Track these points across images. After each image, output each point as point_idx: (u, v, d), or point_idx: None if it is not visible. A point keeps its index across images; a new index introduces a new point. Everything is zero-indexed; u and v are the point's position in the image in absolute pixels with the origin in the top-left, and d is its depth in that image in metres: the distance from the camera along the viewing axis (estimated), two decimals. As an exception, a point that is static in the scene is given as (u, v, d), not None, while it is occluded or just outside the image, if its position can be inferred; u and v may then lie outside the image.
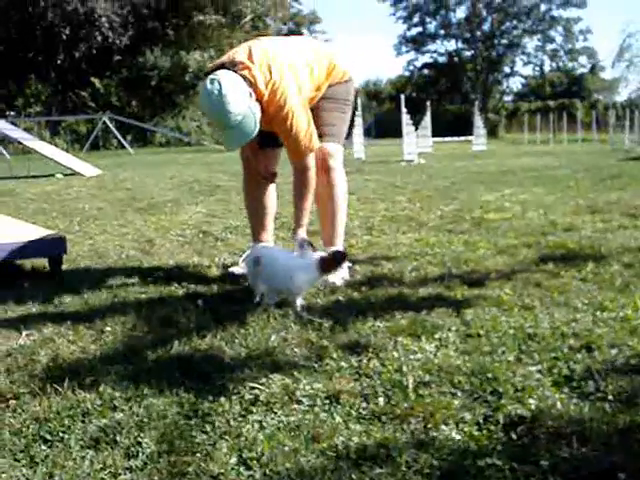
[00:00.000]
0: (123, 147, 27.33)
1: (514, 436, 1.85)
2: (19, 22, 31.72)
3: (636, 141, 21.47)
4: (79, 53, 33.19)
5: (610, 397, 2.06)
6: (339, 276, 3.51)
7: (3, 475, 1.72)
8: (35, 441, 1.89)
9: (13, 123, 21.70)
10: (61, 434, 1.93)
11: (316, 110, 3.67)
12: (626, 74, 39.55)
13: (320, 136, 3.63)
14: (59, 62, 33.52)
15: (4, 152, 18.57)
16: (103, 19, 32.45)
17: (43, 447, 1.86)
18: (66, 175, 13.31)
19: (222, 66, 3.26)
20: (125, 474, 1.70)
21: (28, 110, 30.59)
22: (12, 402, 2.15)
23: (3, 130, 16.27)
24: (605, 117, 36.50)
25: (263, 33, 39.73)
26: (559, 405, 2.01)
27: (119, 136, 27.76)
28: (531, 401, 2.04)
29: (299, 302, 3.06)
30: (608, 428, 1.87)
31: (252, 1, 37.39)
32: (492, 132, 38.94)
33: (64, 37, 32.47)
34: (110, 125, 27.29)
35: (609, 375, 2.21)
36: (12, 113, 28.36)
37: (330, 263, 3.08)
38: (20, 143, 16.25)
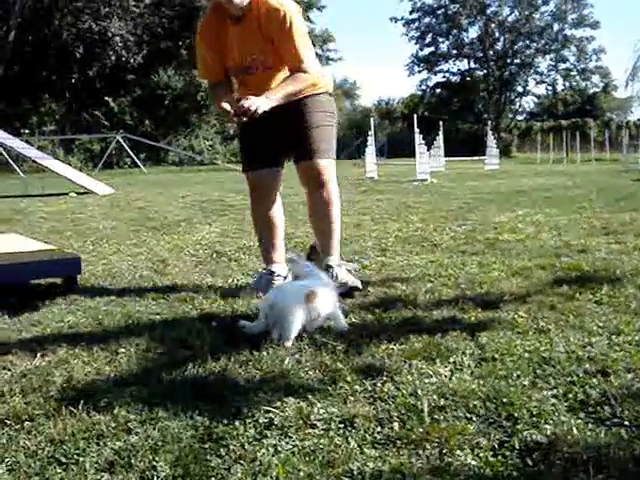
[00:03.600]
0: (136, 166, 27.49)
1: (530, 462, 1.84)
2: (34, 41, 32.04)
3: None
4: (93, 72, 33.47)
5: (626, 422, 2.04)
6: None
7: (19, 498, 1.72)
8: (50, 463, 1.90)
9: (27, 141, 21.89)
10: (76, 457, 1.93)
11: (306, 124, 3.78)
12: (639, 93, 39.47)
13: (314, 152, 3.82)
14: (73, 81, 33.82)
15: (18, 170, 18.71)
16: (117, 38, 32.73)
17: (58, 469, 1.86)
18: (80, 194, 13.39)
19: None
20: (140, 498, 1.70)
21: (42, 129, 30.82)
22: (27, 424, 2.15)
23: (17, 148, 16.41)
24: (618, 136, 36.45)
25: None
26: (575, 431, 1.99)
27: (132, 155, 27.91)
28: (547, 426, 2.03)
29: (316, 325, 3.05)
30: (624, 454, 1.85)
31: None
32: (505, 151, 38.96)
33: (78, 56, 32.76)
34: (124, 144, 27.45)
35: (625, 400, 2.19)
36: (26, 131, 28.59)
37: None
38: (34, 161, 16.38)
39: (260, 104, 3.49)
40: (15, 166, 19.10)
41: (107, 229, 7.33)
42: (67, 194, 13.39)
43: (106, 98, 33.16)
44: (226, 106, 3.62)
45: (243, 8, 3.62)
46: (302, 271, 3.13)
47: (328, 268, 3.67)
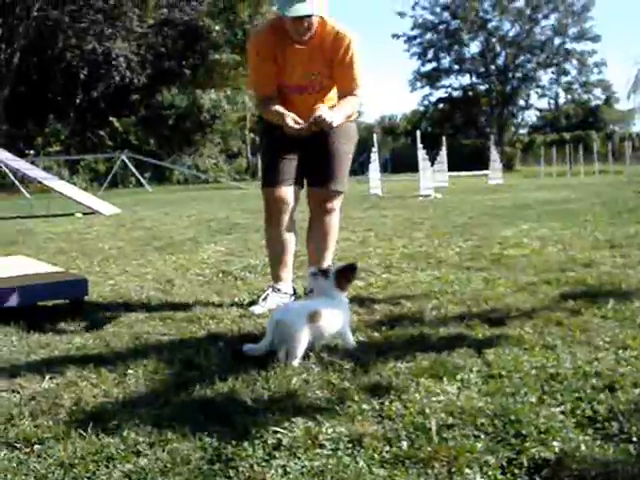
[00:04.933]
0: (141, 185, 27.56)
1: (538, 480, 1.84)
2: (38, 63, 32.26)
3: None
4: (97, 93, 33.70)
5: (634, 438, 2.04)
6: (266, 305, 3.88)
7: (30, 523, 1.73)
8: (60, 487, 1.90)
9: (32, 162, 21.99)
10: (86, 479, 1.94)
11: (334, 152, 3.88)
12: (641, 106, 39.51)
13: (333, 181, 4.05)
14: (78, 101, 34.01)
15: (24, 191, 18.78)
16: (121, 59, 32.96)
17: (68, 493, 1.87)
18: (85, 214, 13.44)
19: None
20: (151, 521, 1.71)
21: (47, 149, 30.98)
22: (37, 447, 2.16)
23: (23, 169, 16.50)
24: (621, 148, 36.45)
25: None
26: (583, 447, 1.99)
27: (137, 174, 28.02)
28: (555, 443, 2.03)
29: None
30: (633, 470, 1.85)
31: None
32: (508, 165, 39.02)
33: (82, 77, 32.97)
34: (129, 164, 27.56)
35: (633, 416, 2.19)
36: (32, 152, 28.75)
37: (346, 275, 3.15)
38: (39, 182, 16.45)
39: (335, 117, 3.68)
40: (21, 187, 19.16)
41: (113, 249, 7.35)
42: (73, 214, 13.44)
43: (111, 118, 33.38)
44: (283, 111, 3.77)
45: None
46: (322, 286, 3.14)
47: None
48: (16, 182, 19.30)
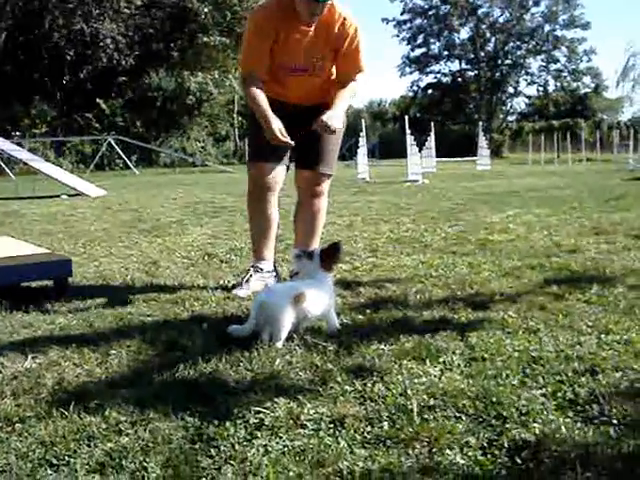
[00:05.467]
0: (128, 168, 27.44)
1: (518, 461, 1.85)
2: (25, 43, 31.97)
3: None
4: (84, 74, 33.43)
5: (614, 421, 2.06)
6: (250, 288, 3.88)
7: (9, 500, 1.73)
8: (41, 465, 1.90)
9: (19, 144, 21.84)
10: (67, 458, 1.93)
11: (327, 136, 3.86)
12: (631, 94, 39.68)
13: (324, 164, 4.04)
14: (64, 83, 33.75)
15: (10, 173, 18.67)
16: (108, 40, 32.71)
17: (49, 471, 1.87)
18: (71, 196, 13.36)
19: None
20: (131, 499, 1.71)
21: (33, 131, 30.76)
22: (18, 425, 2.15)
23: (8, 151, 16.38)
24: (609, 137, 36.59)
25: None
26: (563, 429, 2.01)
27: (124, 157, 27.88)
28: (535, 425, 2.04)
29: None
30: (612, 453, 1.87)
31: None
32: (496, 152, 39.11)
33: (69, 58, 32.70)
34: (115, 146, 27.41)
35: (613, 399, 2.21)
36: (18, 134, 28.55)
37: (331, 256, 3.13)
38: (26, 164, 16.35)
39: (339, 122, 3.68)
40: (6, 169, 19.03)
41: (99, 231, 7.32)
42: (59, 196, 13.37)
43: (97, 100, 33.13)
44: (280, 131, 3.66)
45: None
46: (306, 267, 3.14)
47: None
48: (1, 164, 19.17)
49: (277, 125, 3.64)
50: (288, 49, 3.78)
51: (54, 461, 1.92)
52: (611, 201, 9.06)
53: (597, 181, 14.22)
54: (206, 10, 35.27)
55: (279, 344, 2.85)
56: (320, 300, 3.02)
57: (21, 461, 1.92)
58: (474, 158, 24.48)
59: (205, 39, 35.76)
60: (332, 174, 4.15)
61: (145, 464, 1.87)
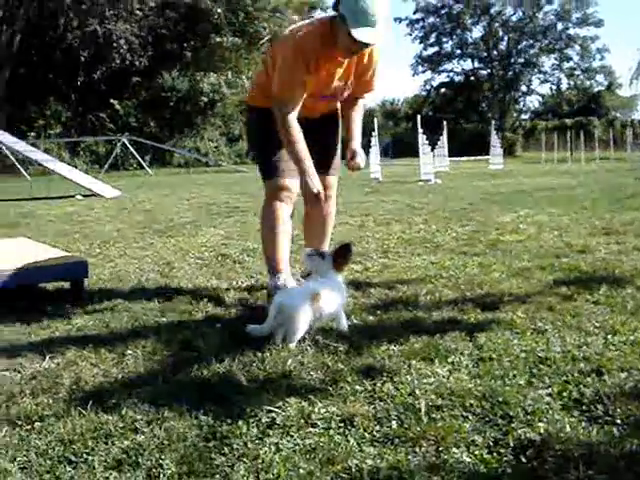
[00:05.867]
0: (142, 168, 27.56)
1: (523, 459, 1.90)
2: (39, 45, 32.14)
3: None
4: (98, 75, 33.54)
5: (618, 421, 2.11)
6: None
7: (31, 495, 1.79)
8: (60, 462, 1.97)
9: (33, 144, 22.01)
10: (85, 455, 2.00)
11: (334, 141, 3.91)
12: (644, 92, 39.47)
13: (332, 168, 4.08)
14: (79, 84, 33.90)
15: (25, 173, 18.83)
16: (122, 41, 32.80)
17: (68, 468, 1.93)
18: (86, 196, 13.48)
19: None
20: (147, 495, 1.78)
21: (48, 131, 30.94)
22: (37, 424, 2.22)
23: (23, 152, 16.53)
24: (623, 135, 36.41)
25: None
26: (568, 429, 2.06)
27: (138, 157, 28.01)
28: (540, 425, 2.09)
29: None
30: (615, 452, 1.92)
31: (269, 22, 37.68)
32: (509, 151, 39.01)
33: (83, 59, 32.85)
34: (129, 146, 27.54)
35: (618, 399, 2.25)
36: (32, 134, 28.75)
37: (342, 256, 3.20)
38: (40, 165, 16.50)
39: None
40: (21, 169, 19.20)
41: (113, 232, 7.40)
42: (73, 196, 13.48)
43: (111, 101, 33.26)
44: (313, 171, 3.56)
45: None
46: (319, 267, 3.19)
47: None
48: (17, 164, 19.34)
49: (317, 180, 3.56)
50: (322, 80, 3.69)
51: (73, 458, 1.99)
52: (623, 200, 9.06)
53: (610, 180, 14.19)
54: (219, 10, 35.36)
55: (292, 345, 2.91)
56: (334, 300, 3.09)
57: (40, 458, 1.99)
58: (487, 157, 24.47)
59: (218, 39, 35.86)
60: (338, 176, 4.16)
61: (161, 461, 1.94)
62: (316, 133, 3.80)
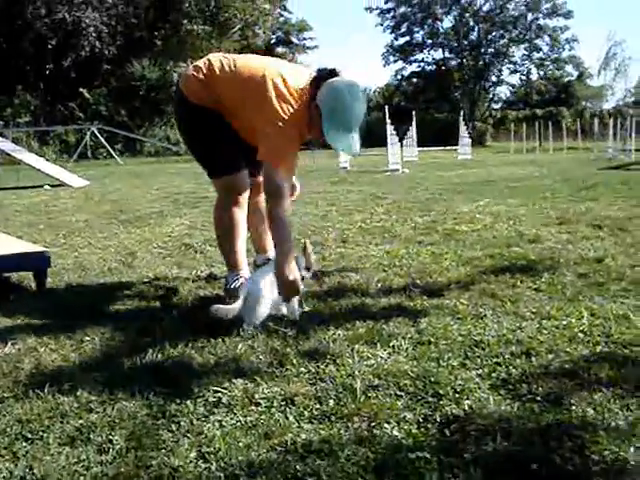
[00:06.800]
0: (112, 157, 27.48)
1: (448, 433, 2.07)
2: (7, 32, 31.84)
3: (619, 149, 21.74)
4: (67, 63, 33.31)
5: (539, 398, 2.28)
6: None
7: (-12, 469, 1.93)
8: (17, 439, 2.11)
9: (1, 134, 21.87)
10: (41, 433, 2.14)
11: None
12: (612, 83, 40.00)
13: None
14: (47, 72, 33.66)
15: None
16: (91, 29, 32.60)
17: (24, 444, 2.08)
18: (54, 186, 13.48)
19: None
20: (96, 467, 1.92)
21: (17, 120, 30.70)
22: (-3, 406, 2.36)
23: (-9, 142, 16.48)
24: (592, 125, 36.81)
25: (252, 42, 40.05)
26: (492, 405, 2.23)
27: (108, 146, 27.92)
28: (467, 402, 2.26)
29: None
30: (532, 426, 2.09)
31: (241, 10, 37.64)
32: (479, 140, 39.34)
33: (51, 47, 32.59)
34: (99, 136, 27.44)
35: (542, 379, 2.43)
36: (1, 123, 28.52)
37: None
38: (8, 155, 16.46)
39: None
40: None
41: (80, 222, 7.49)
42: (41, 187, 13.49)
43: (81, 89, 33.07)
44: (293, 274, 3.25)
45: None
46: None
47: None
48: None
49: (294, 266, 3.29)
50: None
51: (29, 436, 2.13)
52: (583, 191, 9.27)
53: (574, 170, 14.42)
54: (189, -3, 35.28)
55: (250, 327, 3.08)
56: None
57: (0, 436, 2.13)
58: (456, 147, 24.68)
59: (189, 27, 35.77)
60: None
61: (111, 437, 2.09)
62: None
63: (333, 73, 3.39)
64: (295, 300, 3.32)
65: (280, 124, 3.31)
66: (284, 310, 3.30)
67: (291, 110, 3.34)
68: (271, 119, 3.33)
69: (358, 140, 3.36)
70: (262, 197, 3.84)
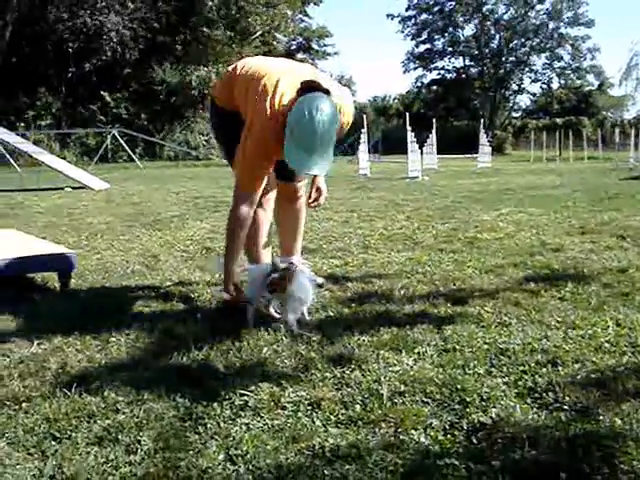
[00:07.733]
0: (132, 160, 27.62)
1: (475, 441, 2.06)
2: (30, 36, 32.12)
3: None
4: (89, 67, 33.55)
5: (566, 407, 2.27)
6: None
7: (18, 467, 1.94)
8: (46, 438, 2.12)
9: (23, 135, 22.05)
10: (69, 432, 2.15)
11: None
12: (634, 92, 39.79)
13: (292, 178, 3.91)
14: (69, 75, 33.92)
15: (14, 165, 18.88)
16: (112, 33, 32.82)
17: (53, 443, 2.08)
18: (75, 188, 13.58)
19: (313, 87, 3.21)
20: (125, 467, 1.93)
21: (38, 123, 30.96)
22: (25, 404, 2.38)
23: (13, 143, 16.60)
24: (612, 135, 36.61)
25: (272, 48, 40.16)
26: (519, 414, 2.22)
27: (128, 149, 28.07)
28: (494, 410, 2.25)
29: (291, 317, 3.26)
30: (559, 435, 2.08)
31: (261, 16, 37.76)
32: (499, 149, 39.19)
33: (73, 51, 32.85)
34: (119, 139, 27.60)
35: (569, 388, 2.41)
36: (22, 125, 28.77)
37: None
38: (30, 156, 16.58)
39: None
40: (11, 160, 19.24)
41: (102, 224, 7.54)
42: (63, 189, 13.58)
43: (102, 92, 33.27)
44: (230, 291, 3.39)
45: None
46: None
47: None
48: (7, 155, 19.37)
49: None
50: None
51: (57, 435, 2.14)
52: (605, 200, 9.22)
53: (595, 180, 14.36)
54: (211, 3, 35.40)
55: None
56: None
57: (28, 435, 2.15)
58: (475, 155, 24.63)
59: (210, 33, 35.93)
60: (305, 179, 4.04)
61: (139, 438, 2.09)
62: None
63: (314, 88, 3.20)
64: (299, 308, 3.29)
65: (254, 129, 3.32)
66: (290, 317, 3.23)
67: (263, 120, 3.30)
68: (247, 124, 3.36)
69: (325, 162, 3.20)
70: (293, 200, 4.00)
